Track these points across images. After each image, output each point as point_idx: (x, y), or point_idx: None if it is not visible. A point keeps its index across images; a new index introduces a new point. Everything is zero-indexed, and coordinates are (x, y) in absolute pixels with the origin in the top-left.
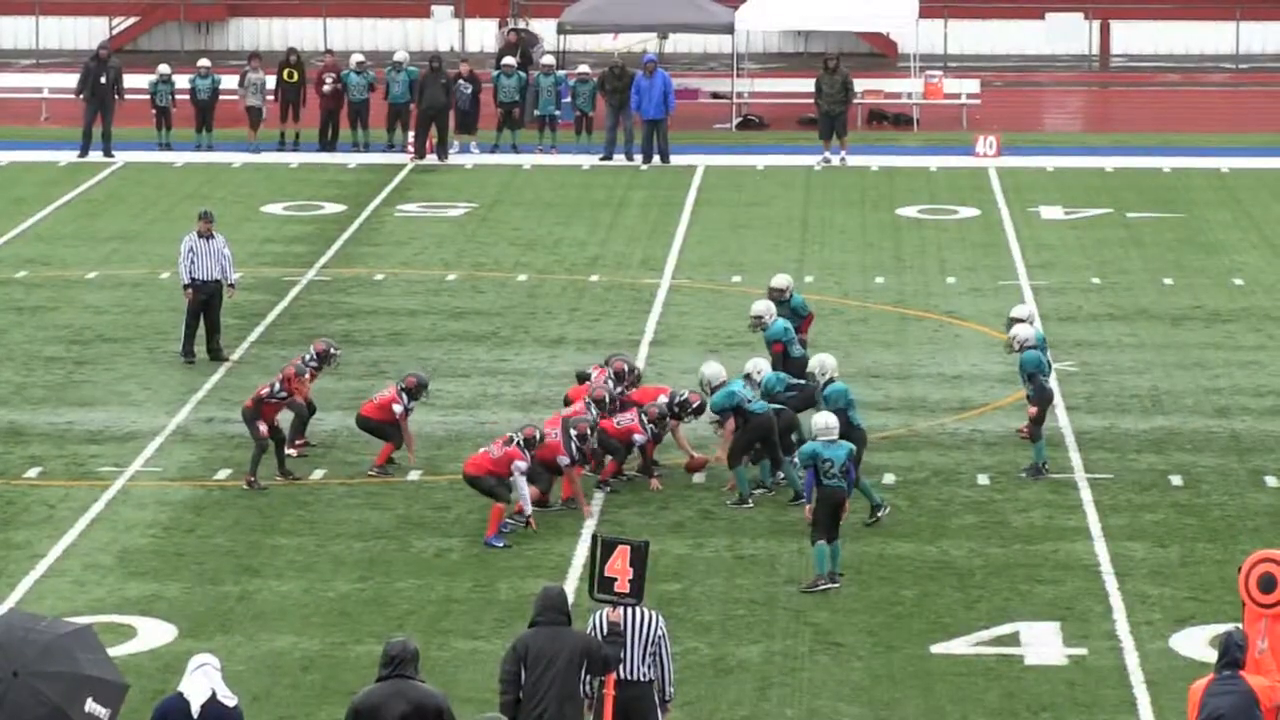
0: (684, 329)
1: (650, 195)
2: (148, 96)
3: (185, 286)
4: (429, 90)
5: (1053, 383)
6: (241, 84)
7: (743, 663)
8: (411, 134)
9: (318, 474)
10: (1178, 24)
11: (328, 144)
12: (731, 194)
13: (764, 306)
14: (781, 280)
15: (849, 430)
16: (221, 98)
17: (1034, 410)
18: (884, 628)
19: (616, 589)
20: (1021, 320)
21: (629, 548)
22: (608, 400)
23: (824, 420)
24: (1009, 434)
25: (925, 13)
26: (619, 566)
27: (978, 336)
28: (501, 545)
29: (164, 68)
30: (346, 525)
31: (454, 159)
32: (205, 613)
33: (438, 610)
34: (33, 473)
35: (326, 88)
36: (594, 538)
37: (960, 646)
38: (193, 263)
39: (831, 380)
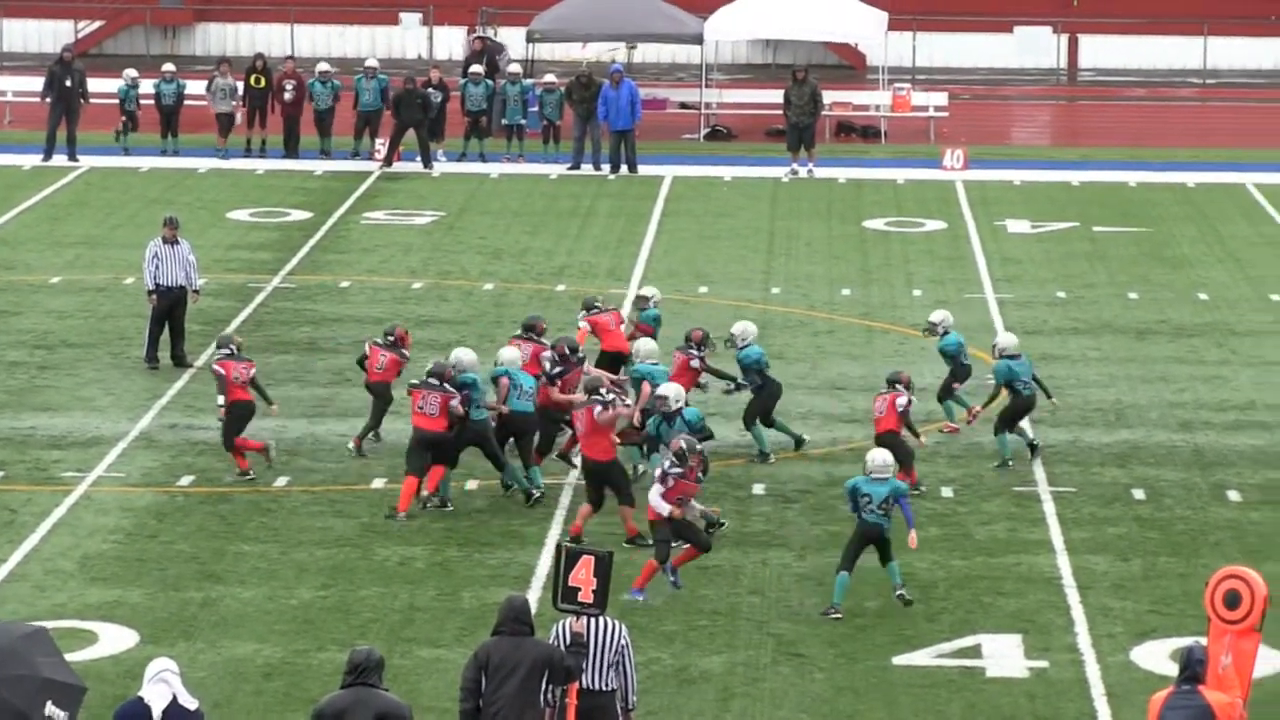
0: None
1: (617, 205)
2: (116, 101)
3: (150, 292)
4: (404, 109)
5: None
6: (209, 89)
7: (705, 673)
8: (380, 141)
9: (281, 481)
10: (1146, 39)
11: (293, 151)
12: (699, 205)
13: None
14: (648, 290)
15: (766, 383)
16: (187, 103)
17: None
18: (846, 639)
19: (580, 599)
20: (937, 324)
21: (593, 558)
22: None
23: (881, 459)
24: (973, 447)
25: (894, 25)
26: (583, 576)
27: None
28: (672, 582)
29: (131, 72)
30: (310, 533)
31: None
32: (167, 619)
33: (401, 619)
34: None
35: (288, 95)
36: (558, 547)
37: (922, 658)
38: (157, 268)
39: (749, 345)
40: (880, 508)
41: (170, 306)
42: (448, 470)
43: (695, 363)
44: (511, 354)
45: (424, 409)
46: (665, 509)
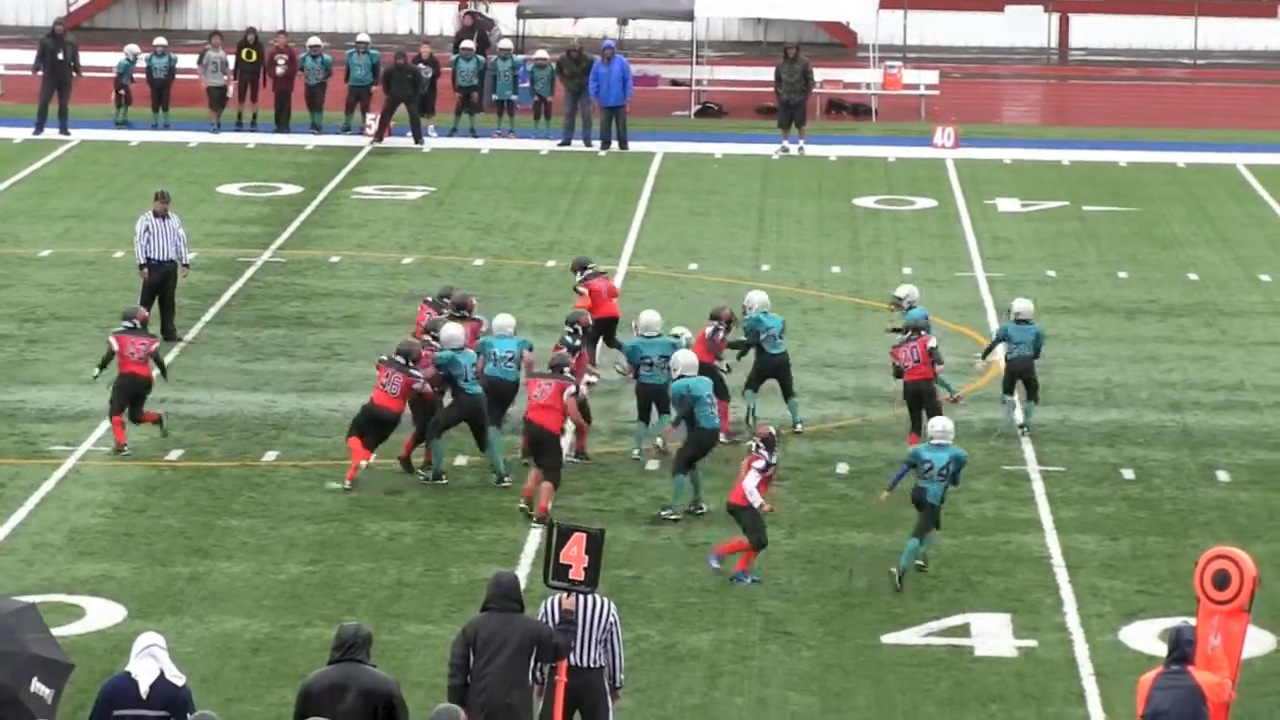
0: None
1: (608, 181)
2: (113, 75)
3: (141, 266)
4: (395, 85)
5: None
6: (201, 63)
7: (693, 651)
8: (371, 116)
9: (270, 456)
10: (1137, 18)
11: (284, 125)
12: (689, 181)
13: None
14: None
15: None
16: (178, 77)
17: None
18: (835, 617)
19: (571, 576)
20: (902, 299)
21: (585, 535)
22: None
23: (942, 424)
24: (961, 425)
25: (885, 3)
26: (574, 553)
27: (933, 327)
28: (750, 580)
29: (133, 48)
30: (298, 508)
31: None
32: (155, 594)
33: (389, 594)
34: None
35: (279, 69)
36: (550, 524)
37: (911, 637)
38: (149, 242)
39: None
40: (940, 474)
41: (161, 281)
42: (437, 445)
43: (718, 336)
44: (504, 321)
45: (386, 387)
46: (758, 501)
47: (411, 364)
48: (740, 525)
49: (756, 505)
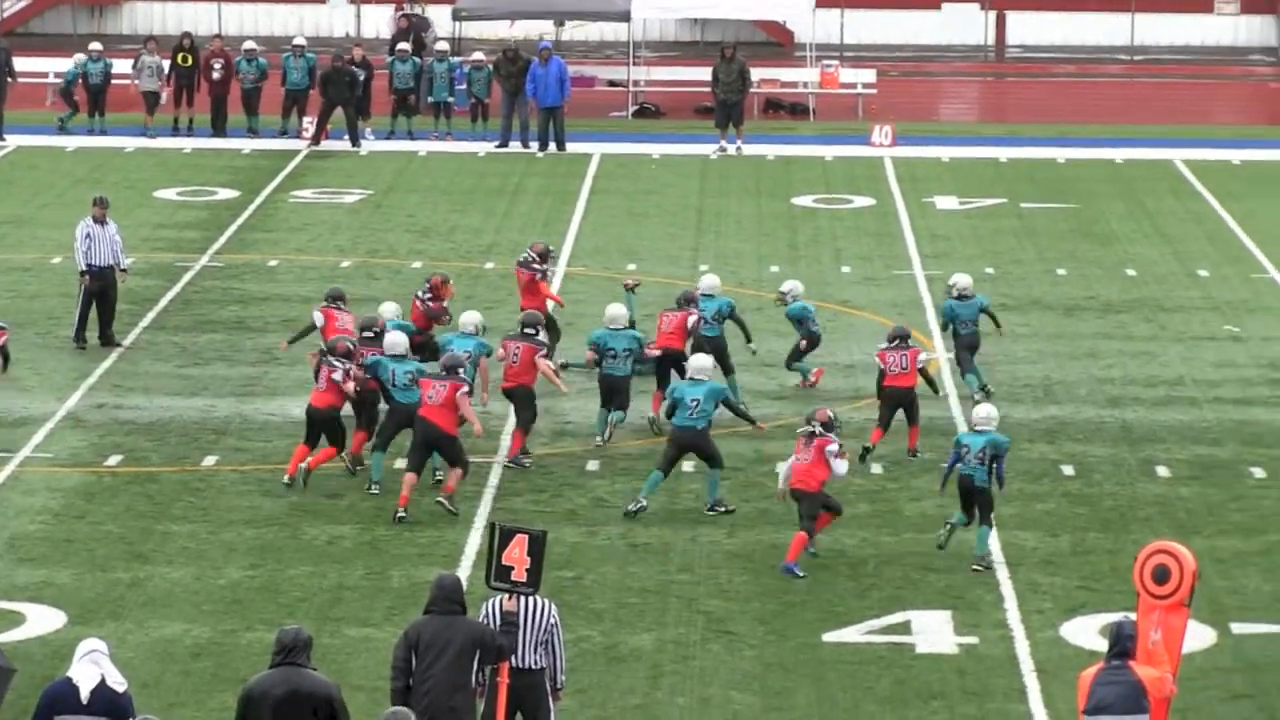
0: (579, 317)
1: (546, 183)
2: (47, 81)
3: (82, 273)
4: (333, 88)
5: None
6: (135, 67)
7: (635, 651)
8: (308, 120)
9: (209, 461)
10: (1073, 15)
11: (220, 130)
12: (627, 182)
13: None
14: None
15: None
16: (115, 82)
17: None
18: (776, 616)
19: (513, 577)
20: (785, 293)
21: (527, 536)
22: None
23: (985, 411)
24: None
25: (822, 2)
26: (516, 555)
27: (871, 326)
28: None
29: (80, 56)
30: (238, 512)
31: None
32: (95, 599)
33: (329, 598)
34: None
35: (215, 74)
36: (492, 525)
37: (852, 635)
38: (89, 249)
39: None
40: (977, 458)
41: (102, 287)
42: (378, 457)
43: (692, 320)
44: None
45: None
46: (844, 468)
47: (336, 358)
48: (803, 509)
49: (841, 474)
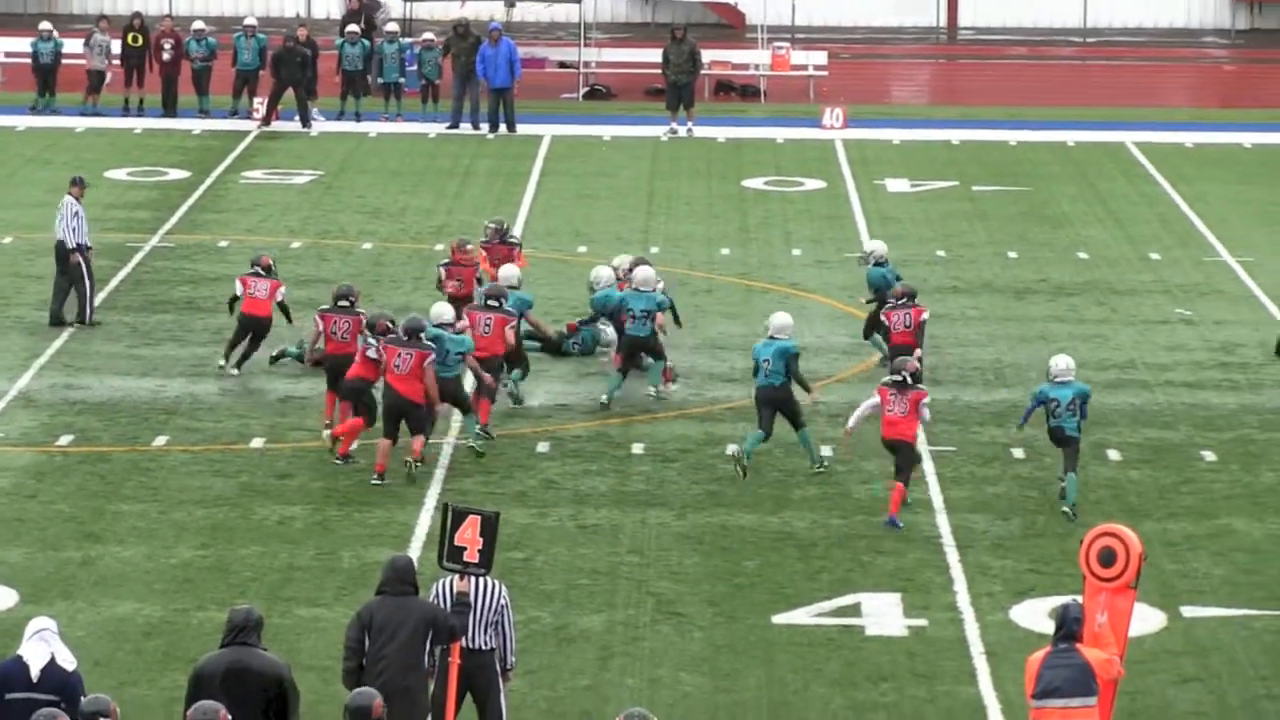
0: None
1: (496, 165)
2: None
3: (73, 250)
4: (284, 68)
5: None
6: (88, 45)
7: (584, 632)
8: (259, 100)
9: (160, 441)
10: None
11: (171, 110)
12: (578, 164)
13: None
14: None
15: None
16: (65, 62)
17: None
18: (726, 598)
19: (465, 558)
20: (869, 254)
21: (480, 518)
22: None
23: (1065, 363)
24: (851, 405)
25: None
26: (469, 536)
27: (822, 308)
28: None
29: (45, 25)
30: (189, 492)
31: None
32: (47, 578)
33: (280, 578)
34: None
35: (166, 54)
36: (445, 506)
37: (802, 617)
38: (77, 227)
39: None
40: (1068, 409)
41: (88, 265)
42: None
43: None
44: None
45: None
46: (929, 417)
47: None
48: (900, 460)
49: (927, 421)
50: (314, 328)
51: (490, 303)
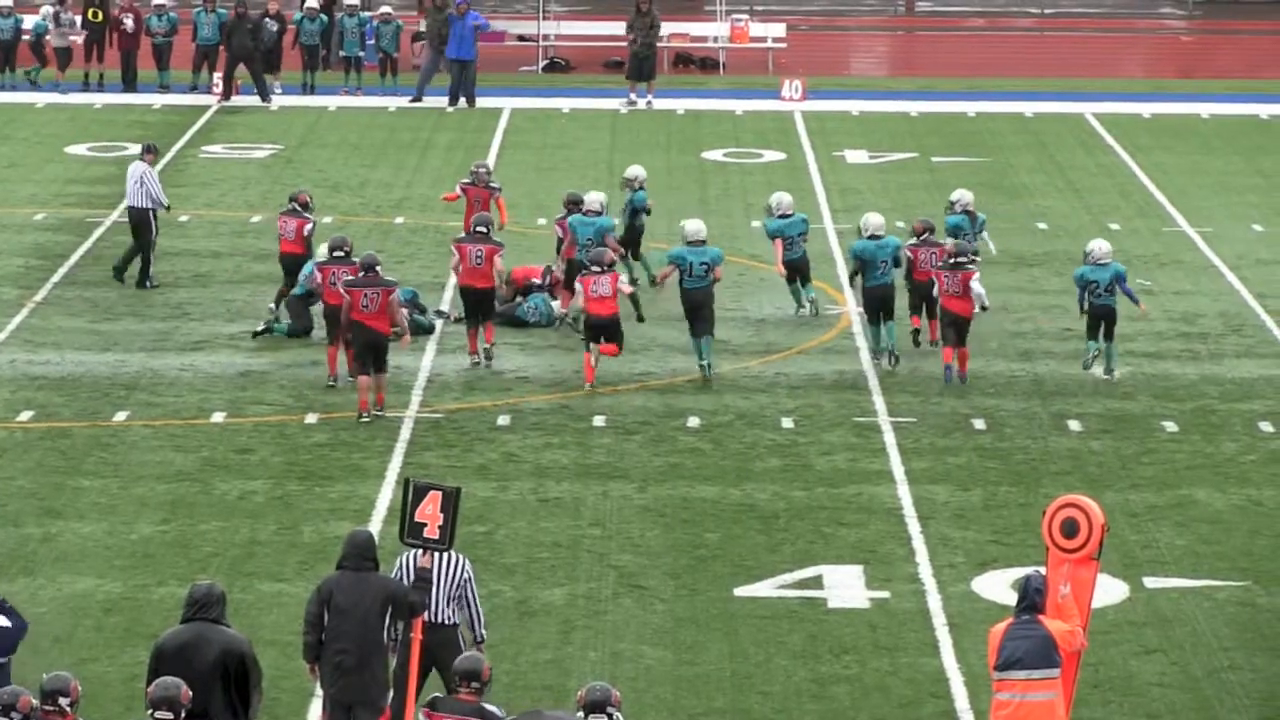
0: None
1: (456, 138)
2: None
3: (166, 208)
4: (236, 37)
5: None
6: (57, 24)
7: (546, 606)
8: (218, 75)
9: (120, 416)
10: None
11: (131, 85)
12: (538, 137)
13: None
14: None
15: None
16: (24, 38)
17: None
18: (687, 571)
19: (426, 534)
20: (954, 202)
21: (440, 493)
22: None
23: (1104, 247)
24: (813, 377)
25: None
26: (430, 512)
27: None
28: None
29: (48, 8)
30: (149, 467)
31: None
32: (7, 554)
33: (241, 553)
34: None
35: (126, 28)
36: (406, 482)
37: (764, 590)
38: (149, 192)
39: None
40: (1107, 289)
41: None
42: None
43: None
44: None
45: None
46: (981, 291)
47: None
48: (957, 334)
49: (980, 294)
50: (313, 278)
51: (479, 230)
